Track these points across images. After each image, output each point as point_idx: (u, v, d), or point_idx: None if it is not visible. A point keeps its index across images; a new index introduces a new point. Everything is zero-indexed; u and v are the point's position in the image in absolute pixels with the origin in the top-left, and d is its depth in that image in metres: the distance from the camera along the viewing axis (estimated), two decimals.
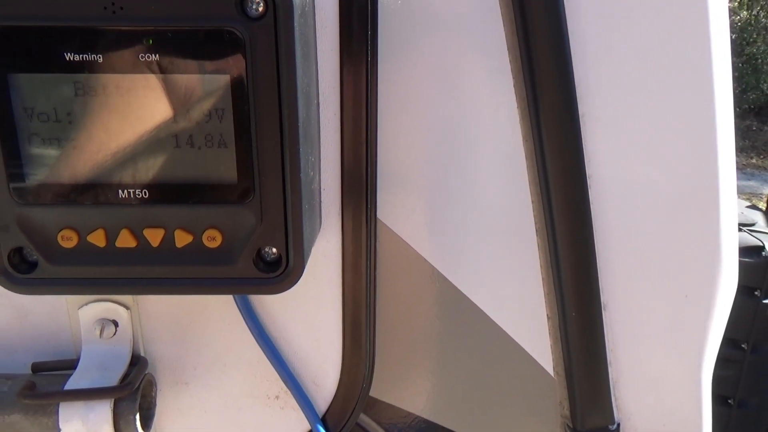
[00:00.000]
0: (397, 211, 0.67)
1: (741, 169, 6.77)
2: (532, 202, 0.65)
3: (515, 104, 0.63)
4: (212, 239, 0.52)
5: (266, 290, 0.54)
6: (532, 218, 0.66)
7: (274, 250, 0.53)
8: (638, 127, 0.63)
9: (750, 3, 8.60)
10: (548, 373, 0.71)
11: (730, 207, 0.65)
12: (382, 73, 0.60)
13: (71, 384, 0.61)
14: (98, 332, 0.64)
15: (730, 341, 1.47)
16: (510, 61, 0.61)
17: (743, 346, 1.56)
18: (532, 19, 0.58)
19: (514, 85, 0.62)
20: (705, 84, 0.61)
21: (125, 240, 0.52)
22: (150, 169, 0.50)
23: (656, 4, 0.59)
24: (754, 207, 1.77)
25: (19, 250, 0.52)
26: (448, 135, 0.64)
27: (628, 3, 0.60)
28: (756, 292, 1.45)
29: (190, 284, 0.53)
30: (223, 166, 0.50)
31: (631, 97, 0.62)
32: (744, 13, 8.60)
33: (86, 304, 0.64)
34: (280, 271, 0.53)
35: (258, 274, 0.53)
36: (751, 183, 6.33)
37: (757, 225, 1.54)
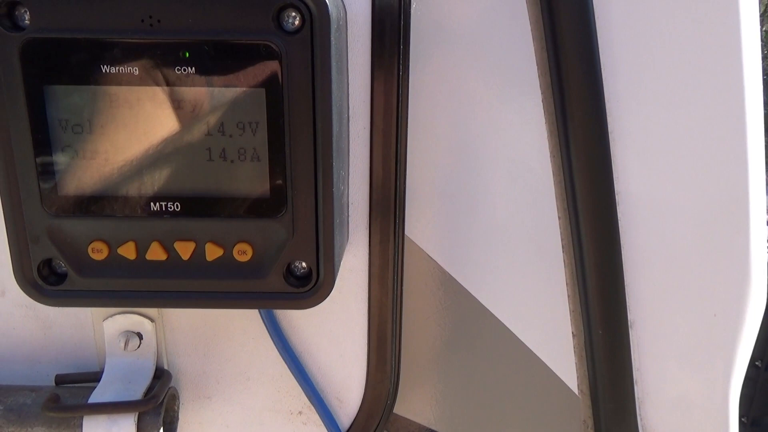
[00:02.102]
0: (423, 225, 0.66)
1: None
2: (559, 218, 0.65)
3: (543, 120, 0.62)
4: (243, 253, 0.51)
5: (296, 305, 0.53)
6: (559, 235, 0.66)
7: (304, 264, 0.52)
8: (667, 144, 0.62)
9: (761, 19, 8.61)
10: (572, 391, 0.71)
11: (760, 225, 0.65)
12: (411, 88, 0.60)
13: (95, 397, 0.60)
14: (123, 345, 0.63)
15: None
16: (539, 76, 0.61)
17: (757, 363, 1.55)
18: (562, 35, 0.58)
19: (542, 101, 0.62)
20: (736, 102, 0.61)
21: (156, 253, 0.51)
22: (182, 182, 0.50)
23: (688, 22, 0.59)
24: None
25: (48, 262, 0.52)
26: (475, 151, 0.64)
27: (659, 20, 0.59)
28: None
29: (219, 298, 0.53)
30: (256, 180, 0.49)
31: (661, 114, 0.62)
32: None
33: (111, 316, 0.64)
34: (310, 285, 0.53)
35: (288, 289, 0.53)
36: None
37: None
